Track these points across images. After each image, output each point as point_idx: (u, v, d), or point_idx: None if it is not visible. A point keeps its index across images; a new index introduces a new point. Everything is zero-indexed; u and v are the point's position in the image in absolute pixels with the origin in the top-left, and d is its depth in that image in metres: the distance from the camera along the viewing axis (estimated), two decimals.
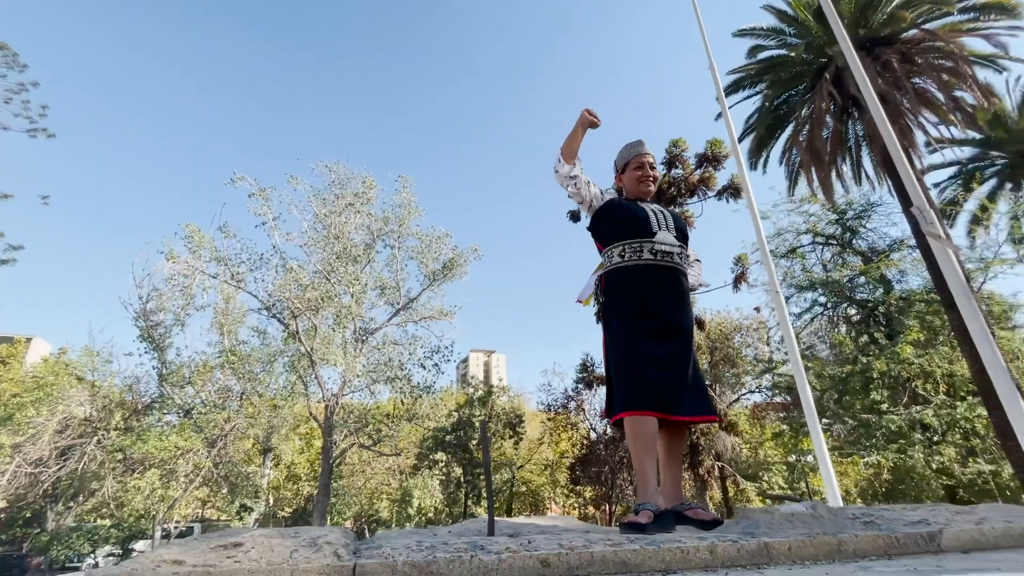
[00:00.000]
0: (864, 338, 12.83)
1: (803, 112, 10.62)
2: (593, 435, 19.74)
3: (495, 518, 1.67)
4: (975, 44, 9.30)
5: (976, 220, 13.35)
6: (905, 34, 9.45)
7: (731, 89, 11.35)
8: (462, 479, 18.68)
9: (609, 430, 19.48)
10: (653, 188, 2.28)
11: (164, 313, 18.79)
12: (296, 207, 18.76)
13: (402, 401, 19.27)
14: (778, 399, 18.41)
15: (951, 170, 15.05)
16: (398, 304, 20.84)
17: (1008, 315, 10.67)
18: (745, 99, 11.32)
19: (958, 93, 9.30)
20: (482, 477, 18.33)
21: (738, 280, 17.40)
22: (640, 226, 2.06)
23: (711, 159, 17.60)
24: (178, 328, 18.92)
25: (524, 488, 24.35)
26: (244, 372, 19.43)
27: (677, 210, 19.84)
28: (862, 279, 12.24)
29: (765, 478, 19.60)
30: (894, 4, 9.27)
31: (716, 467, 16.76)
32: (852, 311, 13.23)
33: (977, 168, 13.74)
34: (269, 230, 18.54)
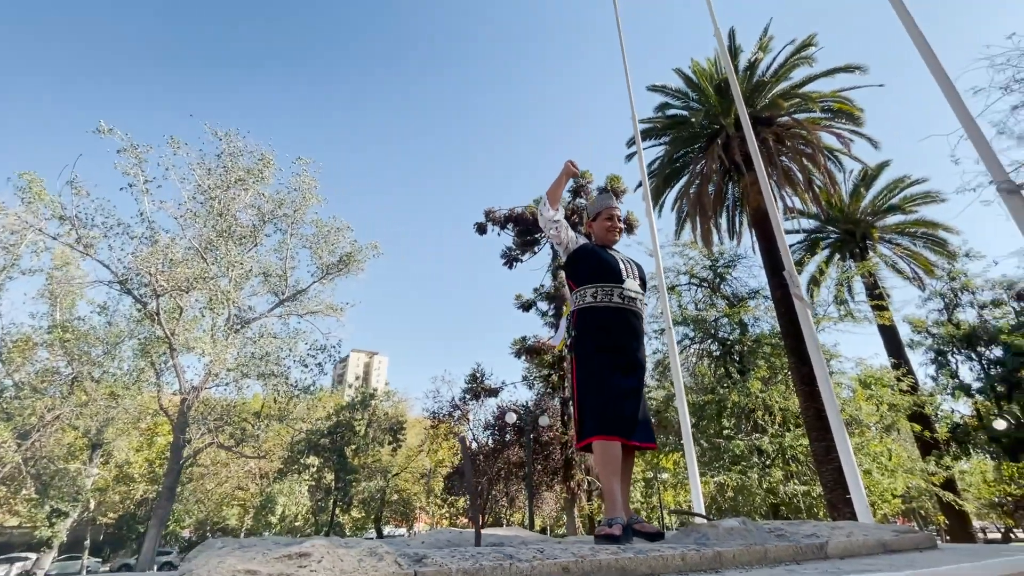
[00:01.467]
0: (721, 371, 14.64)
1: (696, 169, 12.00)
2: (475, 446, 19.92)
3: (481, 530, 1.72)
4: (828, 139, 11.32)
5: (814, 281, 16.03)
6: (780, 119, 11.20)
7: (641, 136, 12.45)
8: (333, 485, 17.66)
9: (491, 441, 19.84)
10: (618, 238, 2.62)
11: None
12: (177, 174, 16.63)
13: (275, 400, 17.80)
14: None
15: (800, 236, 18.01)
16: (283, 294, 19.35)
17: (830, 363, 12.92)
18: (651, 146, 12.49)
19: (813, 176, 11.20)
20: (354, 484, 17.51)
21: None
22: (612, 273, 2.36)
23: (611, 194, 19.04)
24: None
25: (396, 496, 23.71)
26: (79, 353, 16.58)
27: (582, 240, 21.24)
28: (725, 320, 14.03)
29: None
30: (775, 92, 10.95)
31: (585, 481, 17.84)
32: (714, 347, 15.06)
33: (818, 238, 16.58)
34: (138, 194, 16.21)
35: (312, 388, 18.09)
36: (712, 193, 12.30)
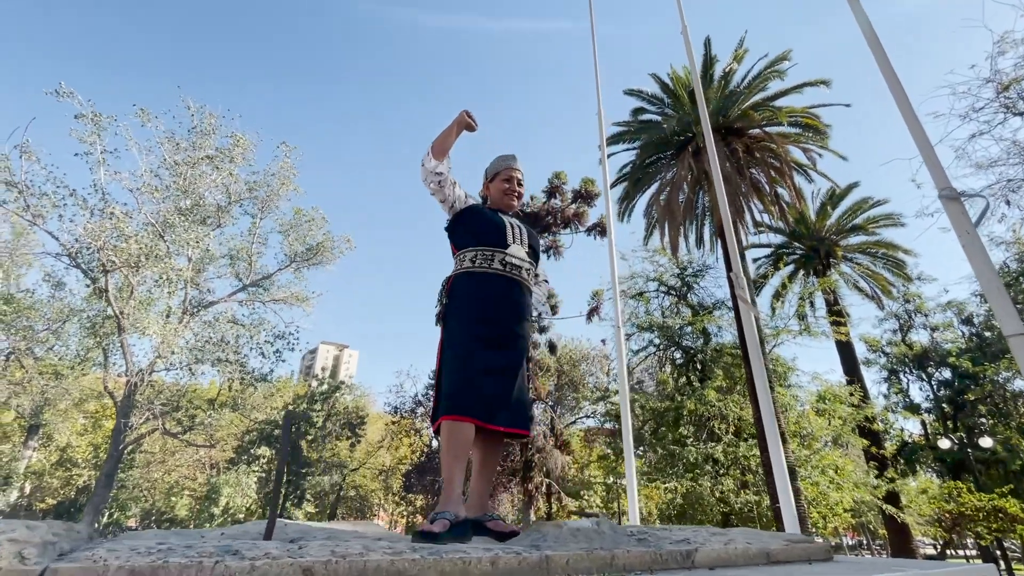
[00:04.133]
0: (683, 379, 14.74)
1: (667, 175, 12.02)
2: (434, 443, 19.63)
3: (280, 520, 1.49)
4: (797, 153, 11.48)
5: (777, 295, 16.29)
6: (751, 131, 11.30)
7: (614, 139, 12.44)
8: (285, 478, 17.13)
9: None
10: (516, 204, 2.31)
11: None
12: (140, 146, 15.89)
13: (230, 387, 17.16)
14: (608, 425, 20.16)
15: (768, 250, 18.32)
16: (247, 280, 18.69)
17: (786, 375, 13.10)
18: (624, 151, 12.48)
19: (779, 190, 11.34)
20: (308, 478, 17.02)
21: (592, 312, 18.90)
22: (495, 236, 2.09)
23: (585, 196, 19.03)
24: None
25: (353, 492, 23.19)
26: (19, 327, 15.67)
27: (550, 237, 21.13)
28: (689, 328, 14.12)
29: (586, 496, 21.30)
30: (747, 104, 11.04)
31: (544, 483, 17.74)
32: (678, 355, 15.15)
33: (784, 253, 16.87)
34: (94, 164, 15.41)
35: (270, 376, 17.51)
36: (683, 201, 12.35)
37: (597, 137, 6.80)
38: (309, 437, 17.35)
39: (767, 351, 13.43)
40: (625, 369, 5.14)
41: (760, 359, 4.07)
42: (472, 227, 2.12)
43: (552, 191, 20.86)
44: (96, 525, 13.16)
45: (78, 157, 15.02)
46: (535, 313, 2.40)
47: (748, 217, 12.32)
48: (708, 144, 5.19)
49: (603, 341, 18.07)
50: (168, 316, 16.48)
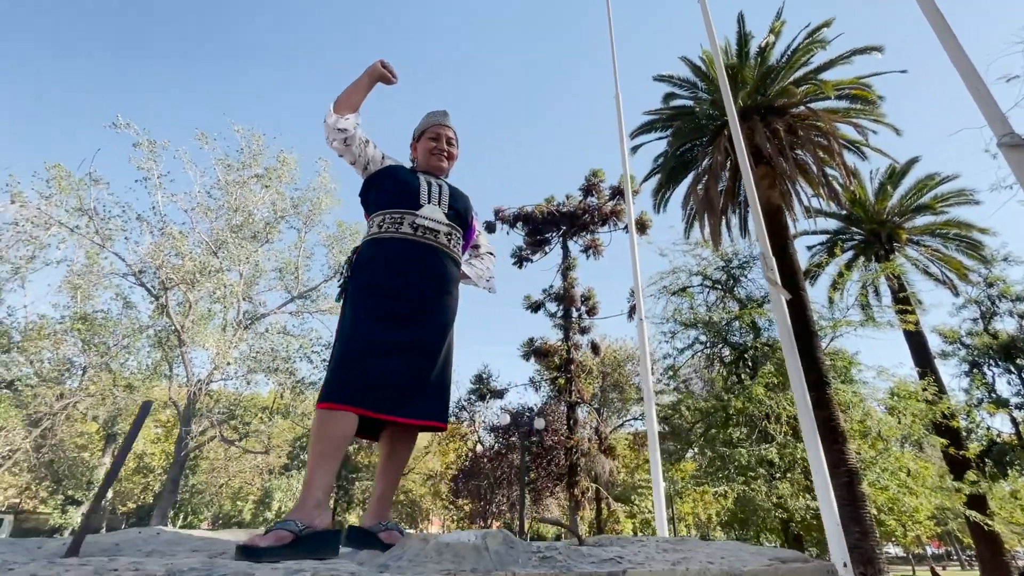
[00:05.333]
0: (733, 378, 13.93)
1: (704, 163, 11.42)
2: (480, 448, 19.58)
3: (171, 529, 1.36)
4: (847, 130, 10.61)
5: (835, 285, 15.14)
6: (794, 109, 10.55)
7: (645, 128, 11.98)
8: (334, 483, 17.62)
9: (497, 444, 19.46)
10: (446, 165, 2.03)
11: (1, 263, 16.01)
12: (195, 167, 16.93)
13: (281, 396, 17.86)
14: (657, 428, 19.38)
15: (823, 237, 17.09)
16: (295, 291, 19.47)
17: (847, 370, 12.09)
18: (657, 139, 11.99)
19: (829, 170, 10.50)
20: (356, 482, 17.35)
21: (632, 310, 18.33)
22: (407, 197, 1.81)
23: (621, 191, 18.49)
24: (15, 282, 16.19)
25: (403, 498, 23.52)
26: (95, 344, 16.97)
27: (589, 236, 20.69)
28: (736, 323, 13.33)
29: (636, 501, 20.59)
30: (788, 80, 10.32)
31: (591, 488, 17.27)
32: (726, 352, 14.34)
33: (840, 239, 15.67)
34: (152, 188, 16.55)
35: (319, 384, 18.08)
36: (722, 190, 11.71)
37: (626, 126, 6.50)
38: (354, 445, 17.77)
39: (824, 344, 12.47)
40: (649, 365, 4.81)
41: (793, 348, 3.66)
42: (382, 189, 1.86)
43: (589, 189, 20.46)
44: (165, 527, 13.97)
45: (138, 183, 16.10)
46: (480, 288, 2.17)
47: (796, 203, 11.53)
48: (731, 122, 4.79)
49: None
50: (224, 329, 17.40)
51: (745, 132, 10.20)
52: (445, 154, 2.02)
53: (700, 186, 11.56)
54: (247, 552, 1.14)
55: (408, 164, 2.08)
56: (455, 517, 23.96)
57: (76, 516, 18.11)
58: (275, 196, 18.74)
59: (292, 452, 18.17)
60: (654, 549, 1.13)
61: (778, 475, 10.62)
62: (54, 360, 16.63)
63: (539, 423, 13.85)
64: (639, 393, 15.53)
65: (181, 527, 26.41)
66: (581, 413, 19.65)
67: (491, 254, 2.25)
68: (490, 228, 20.71)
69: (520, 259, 21.22)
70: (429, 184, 1.88)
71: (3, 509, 23.01)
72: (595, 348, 19.81)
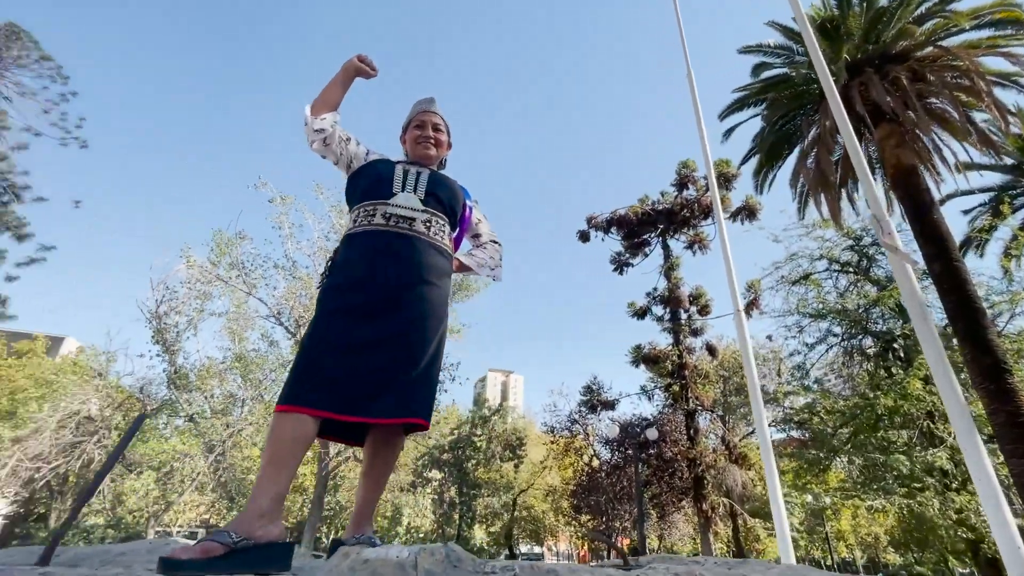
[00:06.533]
0: (881, 372, 12.02)
1: (810, 134, 10.18)
2: (596, 462, 19.04)
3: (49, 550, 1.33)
4: (994, 63, 8.79)
5: (1007, 252, 12.46)
6: (919, 52, 9.00)
7: (736, 107, 11.04)
8: (456, 500, 18.19)
9: (614, 457, 18.77)
10: (433, 152, 1.94)
11: (178, 316, 19.26)
12: (313, 215, 19.08)
13: None
14: (795, 434, 17.33)
15: (984, 197, 14.19)
16: None
17: None
18: (751, 117, 10.97)
19: (976, 115, 8.75)
20: (477, 499, 17.81)
21: (750, 306, 16.74)
22: (380, 188, 1.73)
23: (720, 180, 17.15)
24: (191, 332, 19.34)
25: (526, 514, 23.60)
26: (250, 379, 19.62)
27: (692, 232, 19.44)
28: (877, 308, 11.51)
29: None
30: (905, 19, 8.85)
31: (723, 503, 15.84)
32: (868, 343, 12.43)
33: (1007, 196, 12.89)
34: (284, 238, 18.92)
35: (435, 405, 19.04)
36: (838, 160, 10.33)
37: (707, 116, 6.02)
38: (473, 460, 18.27)
39: (1002, 325, 10.30)
40: (752, 362, 4.28)
41: (931, 330, 2.99)
42: (358, 184, 1.80)
43: (682, 182, 19.27)
44: (311, 543, 15.44)
45: (273, 231, 18.47)
46: (484, 277, 2.04)
47: (937, 160, 9.78)
48: (821, 77, 4.16)
49: (768, 337, 15.79)
50: None
51: (858, 89, 8.92)
52: (431, 140, 1.94)
53: (809, 160, 10.29)
54: (166, 564, 1.07)
55: (383, 155, 2.00)
56: (579, 534, 23.46)
57: None
58: None
59: (416, 470, 19.22)
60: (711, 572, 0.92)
61: (954, 485, 8.80)
62: (222, 395, 19.48)
63: (651, 433, 13.09)
64: (766, 396, 14.01)
65: (332, 541, 29.15)
66: (702, 421, 18.27)
67: (495, 242, 2.13)
68: (584, 237, 20.36)
69: (619, 265, 20.55)
70: (405, 172, 1.80)
71: (197, 524, 27.34)
72: (711, 350, 18.38)
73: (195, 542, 1.17)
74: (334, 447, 17.65)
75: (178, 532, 22.13)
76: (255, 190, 18.72)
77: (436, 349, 1.64)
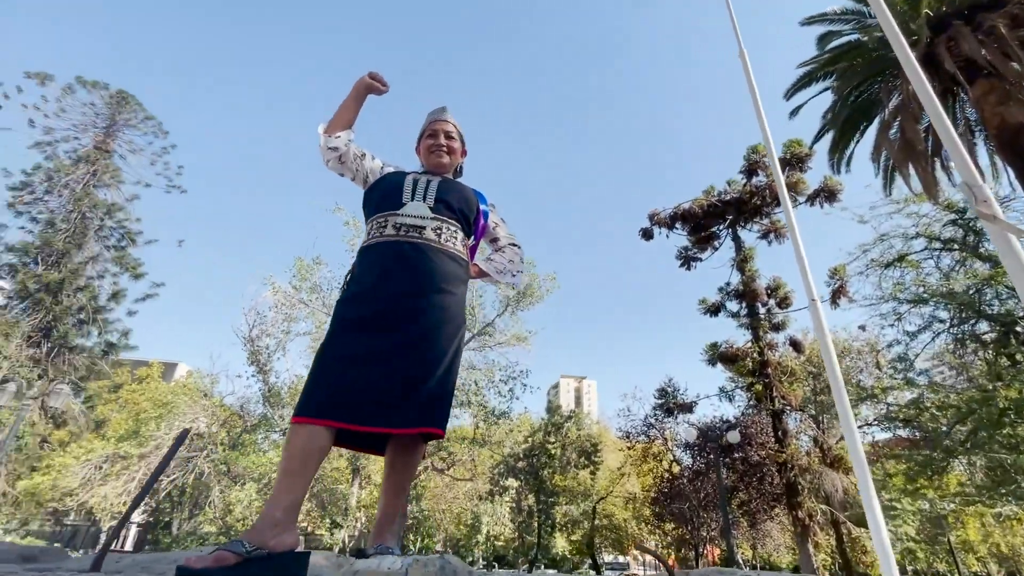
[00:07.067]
0: (1002, 360, 10.62)
1: (892, 102, 9.30)
2: (676, 467, 18.27)
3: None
4: None
5: None
6: None
7: (804, 82, 10.34)
8: (535, 508, 18.14)
9: (696, 462, 17.90)
10: (446, 159, 1.94)
11: (268, 338, 20.89)
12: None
13: (477, 426, 19.37)
14: (902, 433, 15.69)
15: None
16: (475, 330, 21.27)
17: None
18: (820, 92, 10.22)
19: None
20: (555, 506, 17.64)
21: (836, 294, 15.47)
22: (391, 199, 1.75)
23: (792, 162, 16.07)
24: (280, 353, 20.92)
25: (606, 522, 23.04)
26: None
27: (767, 221, 18.29)
28: (991, 288, 10.17)
29: (889, 526, 16.62)
30: None
31: (821, 511, 14.58)
32: (983, 327, 11.01)
33: None
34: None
35: (507, 413, 19.18)
36: (927, 126, 9.34)
37: (761, 85, 5.68)
38: (549, 468, 18.16)
39: None
40: (833, 354, 3.91)
41: None
42: (372, 197, 1.83)
43: (751, 169, 18.19)
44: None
45: (345, 252, 19.62)
46: (504, 284, 2.01)
47: None
48: (886, 28, 3.77)
49: (862, 327, 14.47)
50: None
51: (945, 45, 8.05)
52: (444, 148, 1.94)
53: (893, 131, 9.39)
54: (181, 573, 1.08)
55: (399, 167, 2.03)
56: (664, 543, 22.55)
57: (340, 536, 22.00)
58: None
59: (493, 479, 19.42)
60: None
61: None
62: None
63: (732, 436, 12.37)
64: (862, 392, 12.77)
65: (420, 548, 30.12)
66: (791, 422, 17.01)
67: (514, 246, 2.09)
68: (647, 235, 19.74)
69: (687, 260, 19.74)
70: (415, 181, 1.81)
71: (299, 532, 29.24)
72: (796, 346, 17.11)
73: (210, 551, 1.17)
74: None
75: None
76: (331, 214, 20.05)
77: (452, 357, 1.64)
